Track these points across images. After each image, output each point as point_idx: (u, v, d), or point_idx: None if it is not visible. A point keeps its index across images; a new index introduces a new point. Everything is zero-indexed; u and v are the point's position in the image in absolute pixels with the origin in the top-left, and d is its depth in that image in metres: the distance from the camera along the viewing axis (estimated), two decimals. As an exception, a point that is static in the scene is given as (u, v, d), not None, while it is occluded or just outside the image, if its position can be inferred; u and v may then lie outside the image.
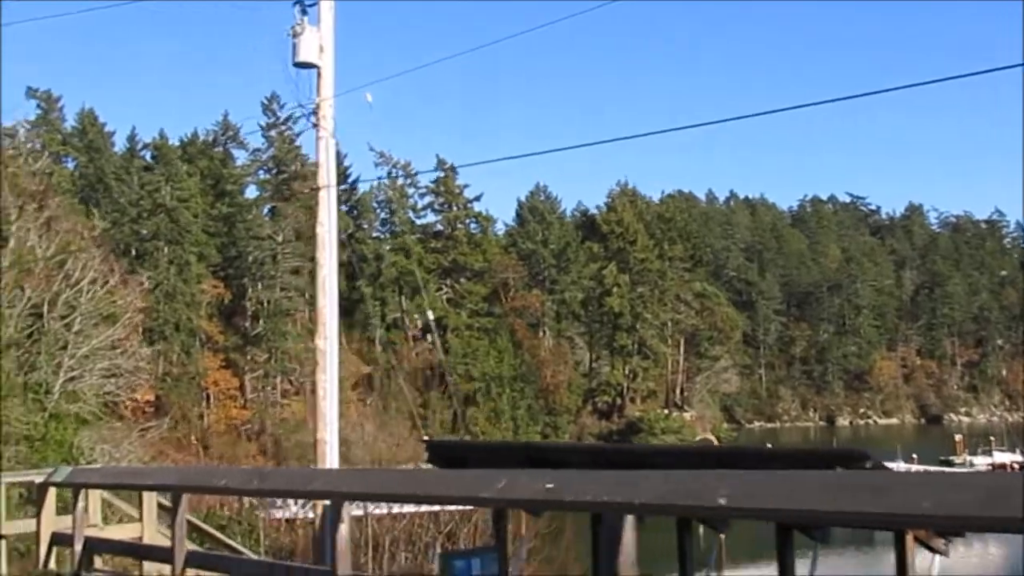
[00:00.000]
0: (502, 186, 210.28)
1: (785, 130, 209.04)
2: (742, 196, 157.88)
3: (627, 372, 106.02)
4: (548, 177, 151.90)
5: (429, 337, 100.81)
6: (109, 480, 11.85)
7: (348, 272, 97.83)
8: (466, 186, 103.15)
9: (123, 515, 15.02)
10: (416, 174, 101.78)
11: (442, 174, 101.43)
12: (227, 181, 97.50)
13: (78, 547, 11.07)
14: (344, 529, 6.65)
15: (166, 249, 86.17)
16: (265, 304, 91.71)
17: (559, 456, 10.79)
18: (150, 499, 12.95)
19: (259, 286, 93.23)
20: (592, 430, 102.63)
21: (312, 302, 74.33)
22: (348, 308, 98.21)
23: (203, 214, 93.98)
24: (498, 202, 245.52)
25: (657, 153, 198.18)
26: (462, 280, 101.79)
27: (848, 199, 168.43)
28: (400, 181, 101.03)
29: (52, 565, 12.05)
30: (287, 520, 27.39)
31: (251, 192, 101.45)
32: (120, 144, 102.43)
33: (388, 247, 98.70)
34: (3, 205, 36.19)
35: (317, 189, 18.92)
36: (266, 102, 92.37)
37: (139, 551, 11.49)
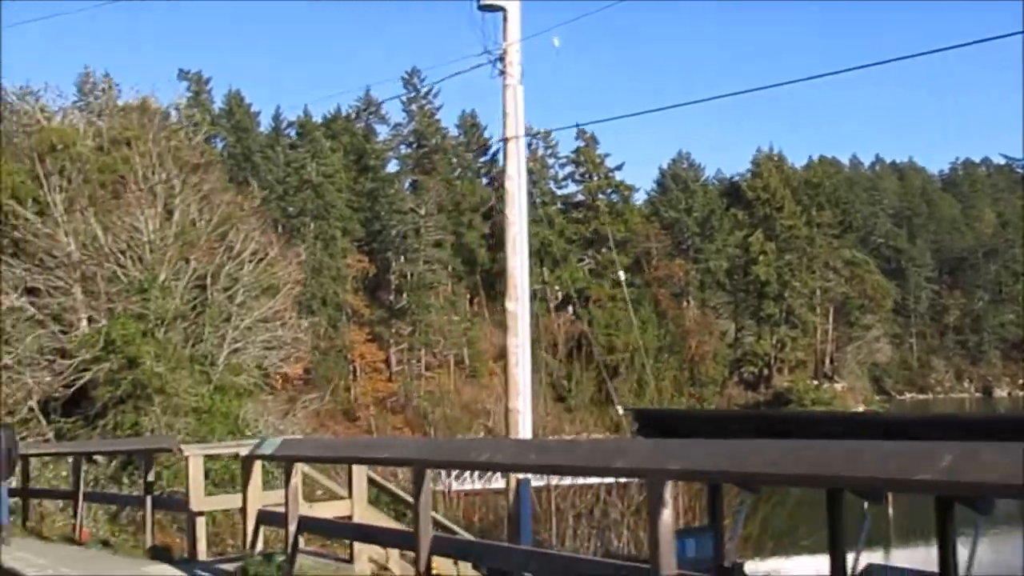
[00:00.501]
0: (644, 155, 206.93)
1: (931, 88, 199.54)
2: (888, 160, 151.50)
3: (774, 342, 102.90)
4: (690, 144, 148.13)
5: (571, 308, 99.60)
6: (326, 453, 10.72)
7: (489, 244, 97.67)
8: (607, 155, 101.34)
9: (319, 489, 14.03)
10: (556, 144, 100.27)
11: (582, 143, 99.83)
12: (369, 156, 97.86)
13: (292, 527, 9.99)
14: (667, 515, 5.23)
15: (312, 225, 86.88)
16: (408, 277, 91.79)
17: (787, 426, 9.27)
18: (360, 474, 11.86)
19: (402, 259, 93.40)
20: (738, 401, 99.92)
21: (456, 275, 73.82)
22: (489, 280, 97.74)
23: (347, 189, 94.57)
24: (639, 171, 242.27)
25: (799, 117, 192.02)
26: (604, 250, 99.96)
27: (1003, 161, 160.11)
28: (540, 151, 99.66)
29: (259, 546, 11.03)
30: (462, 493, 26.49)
31: (392, 167, 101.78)
32: (265, 123, 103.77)
33: (529, 219, 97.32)
34: (167, 177, 36.15)
35: (505, 140, 17.69)
36: (407, 76, 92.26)
37: (368, 533, 10.34)
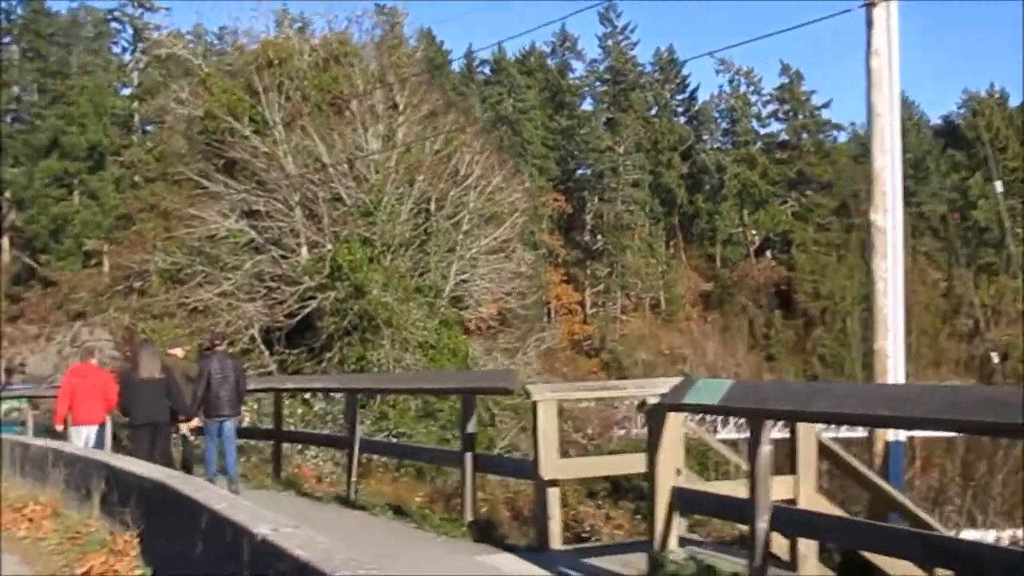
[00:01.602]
0: (853, 91, 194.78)
1: None
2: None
3: (992, 292, 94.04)
4: (904, 82, 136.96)
5: (770, 253, 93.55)
6: (848, 407, 6.28)
7: (688, 185, 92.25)
8: (813, 92, 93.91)
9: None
10: (759, 80, 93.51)
11: (787, 80, 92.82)
12: (565, 93, 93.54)
13: (762, 522, 5.78)
14: None
15: (509, 163, 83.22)
16: (604, 218, 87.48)
17: None
18: (807, 438, 7.55)
19: (597, 200, 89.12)
20: (951, 355, 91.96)
21: (653, 216, 68.23)
22: (683, 223, 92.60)
23: (542, 127, 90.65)
24: (848, 109, 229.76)
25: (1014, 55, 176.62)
26: (808, 192, 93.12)
27: None
28: (743, 89, 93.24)
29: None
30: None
31: (587, 105, 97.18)
32: (457, 63, 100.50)
33: (730, 159, 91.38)
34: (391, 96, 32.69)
35: (870, 4, 12.87)
36: (603, 11, 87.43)
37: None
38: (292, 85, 33.45)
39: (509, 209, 35.64)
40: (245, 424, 14.90)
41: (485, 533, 8.79)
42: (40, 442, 12.55)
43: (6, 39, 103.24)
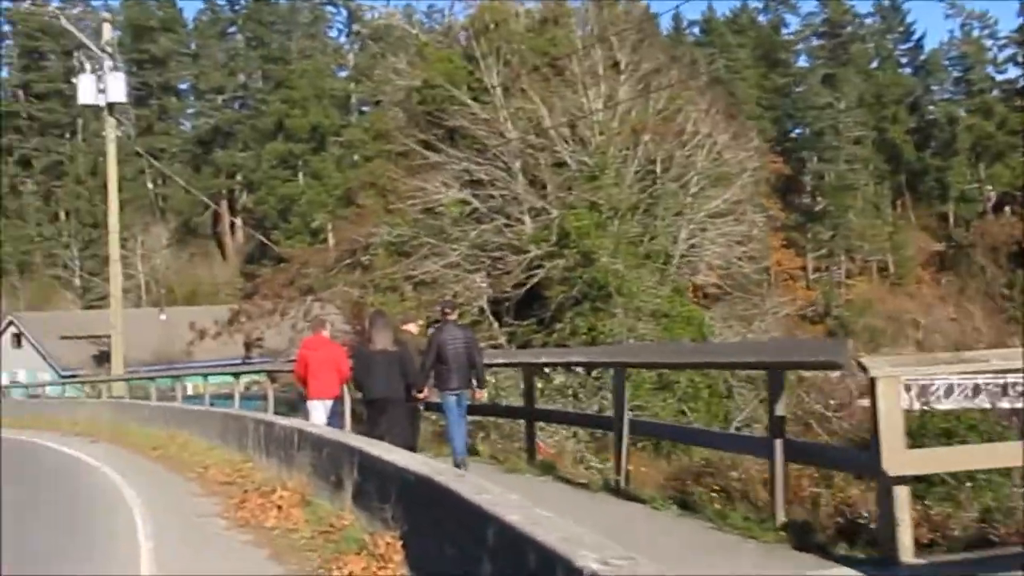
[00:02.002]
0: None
1: None
2: None
3: None
4: None
5: (1009, 209, 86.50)
6: None
7: (915, 141, 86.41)
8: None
9: None
10: (995, 23, 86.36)
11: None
12: (779, 50, 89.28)
13: None
14: None
15: (738, 119, 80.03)
16: (825, 178, 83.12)
17: None
18: None
19: (816, 159, 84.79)
20: None
21: (878, 174, 63.39)
22: (911, 181, 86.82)
23: (756, 87, 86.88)
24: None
25: None
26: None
27: None
28: (976, 33, 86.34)
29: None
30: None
31: (803, 62, 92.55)
32: (665, 23, 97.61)
33: (963, 109, 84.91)
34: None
35: None
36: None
37: None
38: (509, 49, 32.34)
39: (738, 169, 33.46)
40: (483, 400, 13.70)
41: (803, 538, 7.17)
42: (285, 421, 11.77)
43: (232, 29, 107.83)
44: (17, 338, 51.58)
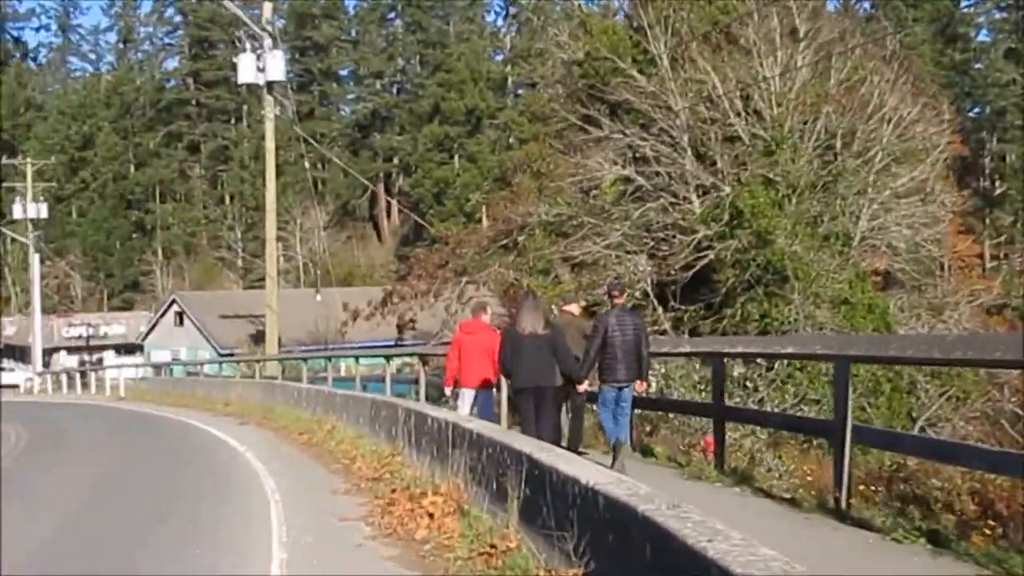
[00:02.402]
0: None
1: None
2: None
3: None
4: None
5: None
6: None
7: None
8: None
9: None
10: None
11: None
12: (958, 24, 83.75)
13: None
14: None
15: (909, 98, 75.49)
16: (1007, 160, 77.53)
17: None
18: None
19: (997, 141, 79.21)
20: None
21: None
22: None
23: (932, 64, 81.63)
24: None
25: None
26: None
27: None
28: None
29: None
30: None
31: (984, 36, 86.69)
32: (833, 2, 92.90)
33: None
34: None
35: None
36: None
37: None
38: (677, 17, 30.24)
39: (926, 145, 30.57)
40: (646, 391, 11.96)
41: None
42: (439, 413, 10.29)
43: (391, 15, 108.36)
44: (179, 316, 52.44)
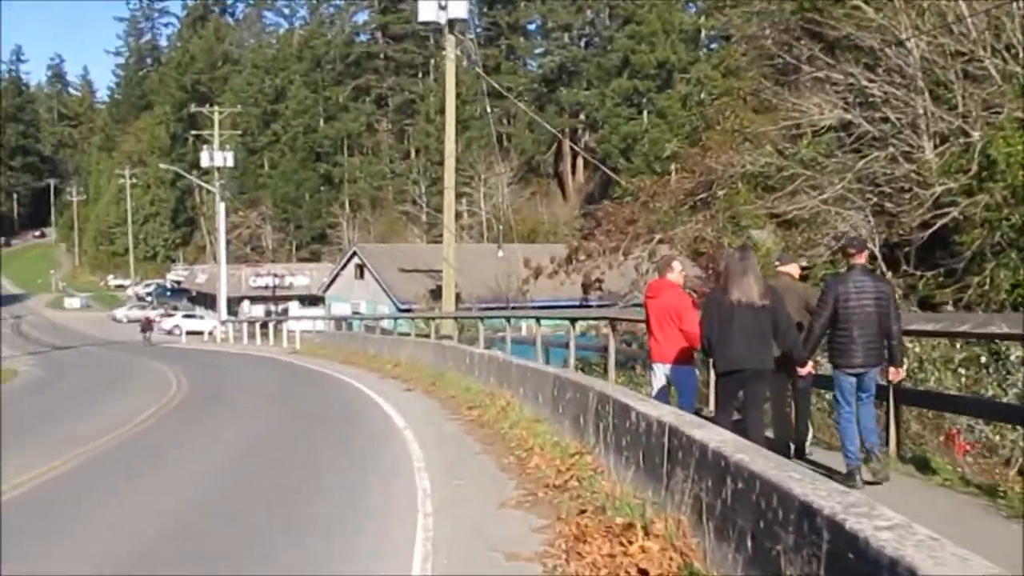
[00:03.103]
0: None
1: None
2: None
3: None
4: None
5: None
6: None
7: None
8: None
9: None
10: None
11: None
12: None
13: None
14: None
15: None
16: None
17: None
18: None
19: None
20: None
21: None
22: None
23: None
24: None
25: None
26: None
27: None
28: None
29: None
30: None
31: None
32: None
33: None
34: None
35: None
36: None
37: None
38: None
39: None
40: (900, 380, 8.79)
41: None
42: (647, 407, 7.42)
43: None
44: (360, 269, 51.31)
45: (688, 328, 9.39)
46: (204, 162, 53.77)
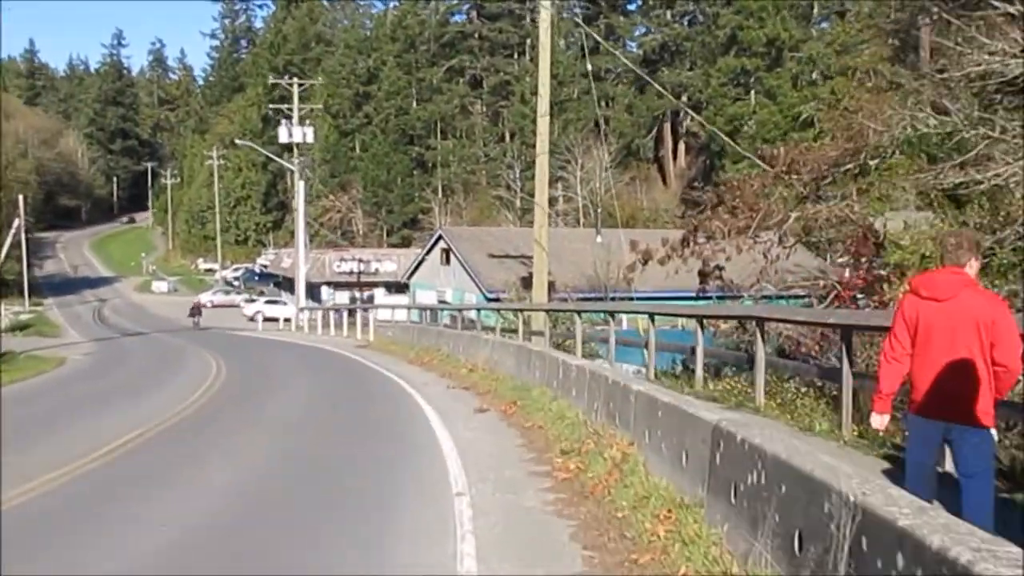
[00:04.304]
0: None
1: None
2: None
3: None
4: None
5: None
6: None
7: None
8: None
9: None
10: None
11: None
12: None
13: None
14: None
15: None
16: None
17: None
18: None
19: None
20: None
21: None
22: None
23: None
24: None
25: None
26: None
27: None
28: None
29: None
30: None
31: None
32: None
33: None
34: None
35: None
36: None
37: None
38: None
39: None
40: None
41: None
42: (939, 537, 2.60)
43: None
44: (446, 254, 46.85)
45: (1007, 360, 4.62)
46: (283, 137, 49.75)
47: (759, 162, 25.56)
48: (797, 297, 23.30)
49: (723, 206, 22.55)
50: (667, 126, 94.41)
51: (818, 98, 73.75)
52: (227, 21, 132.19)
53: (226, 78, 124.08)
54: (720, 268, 23.46)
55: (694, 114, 74.64)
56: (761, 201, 21.40)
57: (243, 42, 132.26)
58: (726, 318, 16.83)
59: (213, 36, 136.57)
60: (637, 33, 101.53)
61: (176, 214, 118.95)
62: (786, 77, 78.72)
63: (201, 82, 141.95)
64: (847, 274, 21.50)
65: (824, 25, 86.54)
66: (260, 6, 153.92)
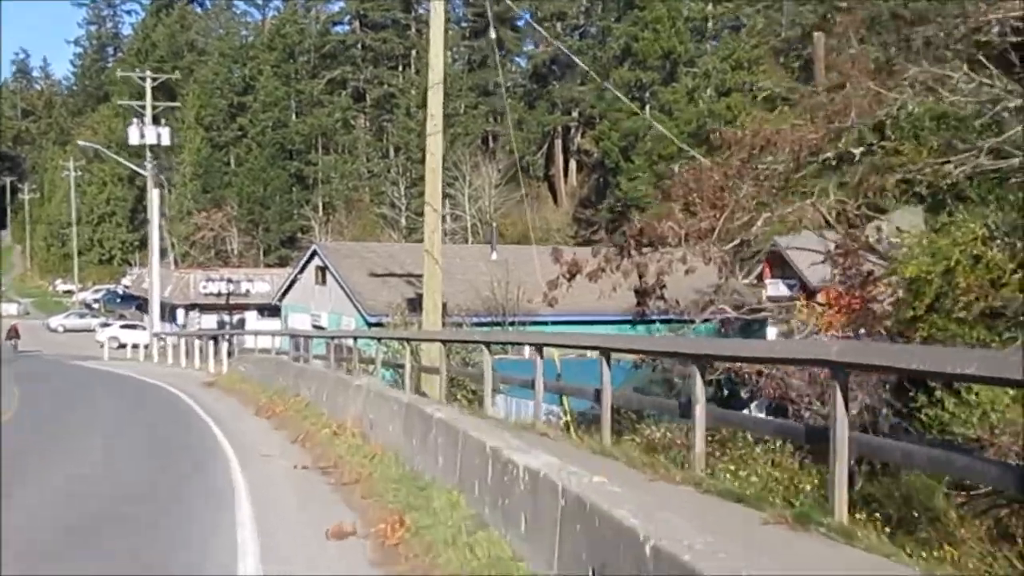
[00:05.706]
0: None
1: None
2: None
3: None
4: None
5: None
6: None
7: None
8: None
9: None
10: None
11: None
12: None
13: None
14: None
15: None
16: None
17: None
18: None
19: None
20: None
21: None
22: None
23: None
24: None
25: None
26: None
27: None
28: None
29: None
30: None
31: None
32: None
33: None
34: None
35: None
36: None
37: None
38: None
39: None
40: None
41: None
42: None
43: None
44: (321, 272, 40.44)
45: None
46: (133, 138, 42.23)
47: (701, 156, 20.14)
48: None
49: (674, 202, 17.06)
50: (558, 143, 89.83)
51: (714, 114, 70.37)
52: (92, 27, 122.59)
53: (91, 87, 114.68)
54: (662, 286, 17.92)
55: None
56: (727, 196, 15.97)
57: (109, 49, 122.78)
58: (638, 352, 11.36)
59: (77, 43, 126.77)
60: (527, 49, 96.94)
61: (35, 231, 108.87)
62: (682, 92, 74.92)
63: (64, 91, 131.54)
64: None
65: (714, 43, 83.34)
66: (128, 12, 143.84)
